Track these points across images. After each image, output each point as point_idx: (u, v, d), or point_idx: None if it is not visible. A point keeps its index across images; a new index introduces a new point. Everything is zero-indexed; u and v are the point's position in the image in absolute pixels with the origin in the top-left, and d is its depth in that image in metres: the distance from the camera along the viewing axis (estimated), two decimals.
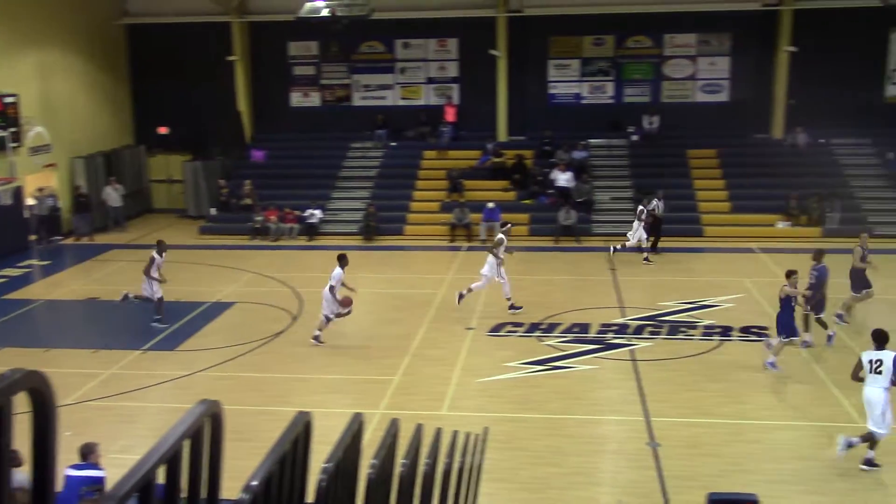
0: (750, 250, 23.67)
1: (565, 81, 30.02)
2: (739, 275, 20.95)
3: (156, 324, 17.27)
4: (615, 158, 28.76)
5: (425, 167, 29.15)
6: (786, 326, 14.16)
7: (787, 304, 14.09)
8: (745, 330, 16.68)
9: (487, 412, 12.82)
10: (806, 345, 15.49)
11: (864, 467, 11.02)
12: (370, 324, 17.85)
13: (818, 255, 15.86)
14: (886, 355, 10.99)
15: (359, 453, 2.91)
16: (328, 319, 16.09)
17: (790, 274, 14.30)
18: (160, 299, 17.35)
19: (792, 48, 27.55)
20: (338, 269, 15.93)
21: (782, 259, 22.37)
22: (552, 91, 30.11)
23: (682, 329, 16.86)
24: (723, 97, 29.34)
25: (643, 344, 16.04)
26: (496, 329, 17.02)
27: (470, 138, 29.71)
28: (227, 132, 30.36)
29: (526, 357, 15.31)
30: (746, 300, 18.78)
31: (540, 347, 15.91)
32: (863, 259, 16.78)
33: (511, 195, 27.40)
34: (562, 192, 26.66)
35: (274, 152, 30.41)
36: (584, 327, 17.00)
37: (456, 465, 5.74)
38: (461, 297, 18.21)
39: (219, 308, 18.89)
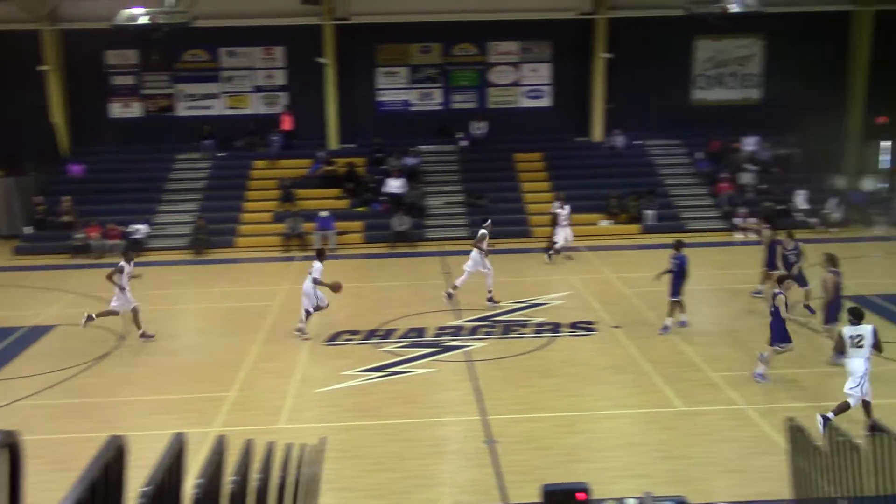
0: (576, 249, 24.64)
1: (394, 89, 30.29)
2: (566, 273, 21.78)
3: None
4: (446, 164, 29.28)
5: (256, 177, 28.66)
6: (779, 333, 13.99)
7: (777, 311, 13.89)
8: (574, 325, 17.37)
9: (327, 422, 12.74)
10: (682, 324, 16.97)
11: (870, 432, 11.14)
12: (203, 340, 17.37)
13: (678, 245, 17.12)
14: (866, 329, 11.91)
15: (182, 474, 2.85)
16: (308, 314, 16.76)
17: (782, 280, 14.28)
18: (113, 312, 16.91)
19: (608, 55, 28.93)
20: (318, 264, 16.76)
21: (606, 256, 23.52)
22: (381, 98, 30.30)
23: (515, 328, 17.37)
24: (546, 102, 30.44)
25: (478, 345, 16.40)
26: (333, 338, 16.94)
27: (300, 147, 29.45)
28: (41, 146, 28.74)
29: (364, 364, 15.32)
30: (574, 297, 19.56)
31: (378, 354, 15.96)
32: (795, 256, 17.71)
33: (344, 203, 27.37)
34: (394, 199, 26.87)
35: (93, 166, 29.03)
36: (420, 331, 17.20)
37: (291, 478, 5.69)
38: (449, 296, 18.75)
39: (38, 332, 17.83)
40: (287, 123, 29.63)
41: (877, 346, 11.98)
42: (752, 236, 20.32)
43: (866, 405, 11.95)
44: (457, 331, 17.27)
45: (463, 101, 30.38)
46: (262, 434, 7.58)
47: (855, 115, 29.95)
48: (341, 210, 26.78)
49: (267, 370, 15.23)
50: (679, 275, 16.73)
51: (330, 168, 28.34)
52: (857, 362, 11.88)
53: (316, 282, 16.55)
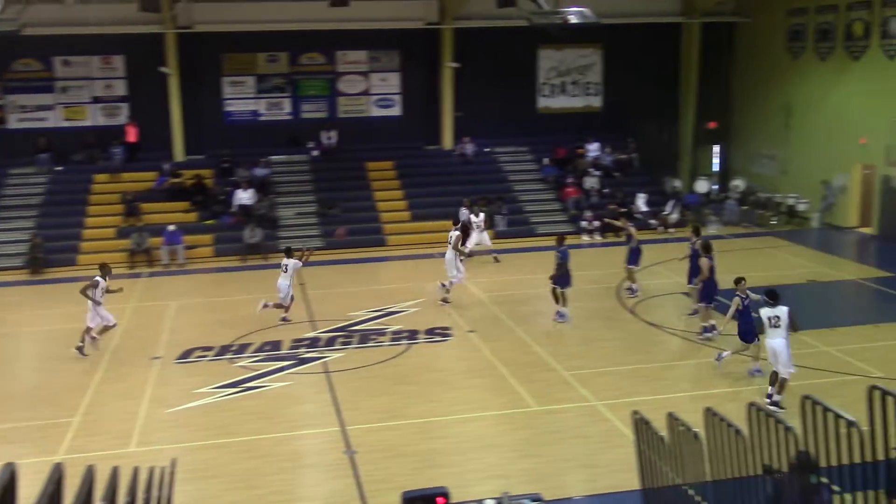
0: (430, 256, 24.85)
1: (241, 98, 29.69)
2: (422, 280, 21.93)
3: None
4: (297, 174, 28.94)
5: (97, 191, 27.42)
6: (747, 333, 14.25)
7: (745, 311, 14.21)
8: (431, 332, 17.52)
9: (180, 443, 12.34)
10: (561, 316, 17.93)
11: (772, 408, 12.20)
12: (45, 363, 16.48)
13: (560, 239, 18.56)
14: (781, 310, 12.98)
15: None
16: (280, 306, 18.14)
17: (739, 281, 14.64)
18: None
19: (455, 64, 29.38)
20: (294, 261, 18.51)
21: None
22: (228, 108, 29.65)
23: (372, 337, 17.35)
24: (396, 111, 30.59)
25: (335, 355, 16.28)
26: (184, 356, 16.42)
27: (145, 159, 28.41)
28: None
29: (218, 381, 14.93)
30: (430, 303, 19.72)
31: (232, 370, 15.59)
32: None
33: (193, 216, 26.59)
34: (245, 211, 26.35)
35: None
36: (275, 344, 16.92)
37: (140, 503, 5.48)
38: (445, 301, 19.32)
39: None
40: (132, 135, 28.50)
41: (793, 326, 13.09)
42: (623, 235, 21.37)
43: (773, 375, 13.17)
44: (313, 342, 17.10)
45: (312, 111, 30.12)
46: (109, 459, 7.26)
47: (688, 121, 31.59)
48: (190, 223, 26.00)
49: (114, 392, 14.60)
50: (563, 265, 18.01)
51: (177, 180, 27.48)
52: (778, 342, 12.96)
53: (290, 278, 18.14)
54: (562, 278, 18.10)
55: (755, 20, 30.49)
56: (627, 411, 10.17)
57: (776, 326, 13.04)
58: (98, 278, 16.58)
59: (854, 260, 24.00)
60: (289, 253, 18.82)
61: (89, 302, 16.43)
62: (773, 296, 13.29)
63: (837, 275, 21.04)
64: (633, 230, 20.29)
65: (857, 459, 5.31)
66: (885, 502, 5.61)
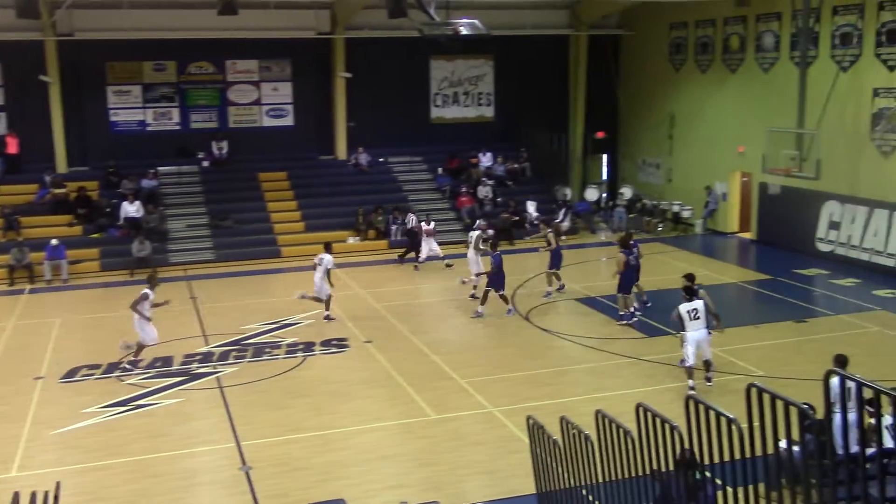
0: (444, 257, 24.55)
1: (127, 108, 28.83)
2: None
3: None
4: (187, 185, 28.30)
5: None
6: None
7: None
8: (326, 343, 17.40)
9: (66, 465, 11.88)
10: (478, 315, 18.89)
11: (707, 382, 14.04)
12: None
13: (494, 245, 19.63)
14: (699, 304, 14.02)
15: None
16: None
17: (691, 279, 15.22)
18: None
19: (347, 74, 29.31)
20: (329, 256, 18.94)
21: (355, 273, 23.75)
22: (114, 119, 28.74)
23: (267, 350, 17.11)
24: (288, 121, 30.28)
25: (229, 370, 15.98)
26: (70, 375, 15.82)
27: (26, 171, 27.26)
28: None
29: (106, 399, 14.44)
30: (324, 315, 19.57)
31: (121, 387, 15.12)
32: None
33: (77, 230, 25.66)
34: (132, 224, 25.59)
35: None
36: (167, 360, 16.49)
37: None
38: (473, 296, 20.14)
39: None
40: (12, 146, 27.29)
41: (714, 316, 14.23)
42: (541, 239, 21.96)
43: (706, 364, 14.27)
44: (205, 357, 16.74)
45: (202, 121, 29.49)
46: None
47: (577, 131, 32.38)
48: (74, 237, 25.09)
49: None
50: (497, 269, 18.82)
51: (60, 192, 26.47)
52: (701, 333, 13.95)
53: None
54: (495, 281, 18.92)
55: (639, 33, 31.52)
56: (523, 416, 10.34)
57: (696, 319, 14.00)
58: (147, 290, 16.02)
59: (735, 264, 25.04)
60: (328, 248, 19.32)
61: (136, 317, 15.92)
62: (689, 291, 14.33)
63: (720, 278, 21.90)
64: (551, 236, 21.01)
65: (738, 455, 5.55)
66: (765, 495, 5.88)
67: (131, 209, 25.91)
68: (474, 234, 21.71)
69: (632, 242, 19.23)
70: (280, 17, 27.90)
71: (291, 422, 13.39)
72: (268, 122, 30.13)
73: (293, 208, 28.00)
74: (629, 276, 18.39)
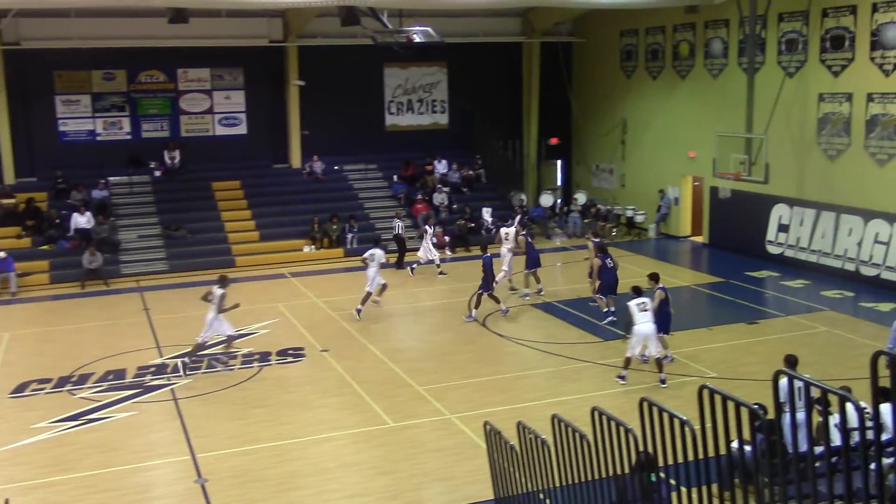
0: (282, 276, 24.56)
1: (76, 118, 28.39)
2: (273, 300, 21.62)
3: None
4: (138, 195, 27.92)
5: None
6: (664, 325, 15.66)
7: (663, 305, 15.55)
8: (283, 353, 17.29)
9: (15, 482, 11.63)
10: (471, 318, 19.20)
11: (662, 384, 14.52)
12: None
13: (484, 247, 20.29)
14: (647, 299, 14.85)
15: None
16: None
17: (656, 278, 16.16)
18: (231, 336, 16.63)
19: (300, 82, 29.17)
20: (380, 251, 19.98)
21: (311, 281, 23.66)
22: (63, 128, 28.27)
23: (223, 360, 16.92)
24: (241, 130, 30.04)
25: (184, 381, 15.79)
26: (19, 390, 15.50)
27: None
28: None
29: (57, 414, 14.18)
30: (281, 324, 19.45)
31: (73, 401, 14.85)
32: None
33: (26, 241, 25.17)
34: (83, 235, 25.18)
35: None
36: (120, 373, 16.24)
37: None
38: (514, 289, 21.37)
39: None
40: None
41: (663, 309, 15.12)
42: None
43: (658, 364, 14.73)
44: (159, 369, 16.52)
45: (154, 130, 29.13)
46: None
47: (531, 137, 32.59)
48: (23, 249, 24.61)
49: None
50: (488, 272, 19.47)
51: (7, 203, 25.95)
52: (648, 326, 14.54)
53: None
54: (484, 282, 19.53)
55: (591, 40, 31.85)
56: (481, 423, 10.37)
57: (644, 311, 14.62)
58: (222, 290, 16.48)
59: (688, 267, 25.36)
60: (377, 242, 20.52)
61: (212, 316, 16.31)
62: (637, 290, 15.28)
63: (673, 282, 22.15)
64: (522, 239, 21.74)
65: (691, 456, 5.62)
66: (718, 495, 5.97)
67: (82, 220, 25.49)
68: (507, 230, 22.29)
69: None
70: (232, 25, 27.72)
71: (247, 433, 13.26)
72: (221, 130, 29.87)
73: (247, 217, 27.77)
74: (610, 279, 18.88)
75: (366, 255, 20.04)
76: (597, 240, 21.38)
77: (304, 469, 12.00)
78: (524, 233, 22.17)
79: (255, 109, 30.01)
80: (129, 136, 28.89)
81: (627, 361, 14.92)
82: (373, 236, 21.96)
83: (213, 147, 29.55)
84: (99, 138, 28.60)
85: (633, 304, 14.77)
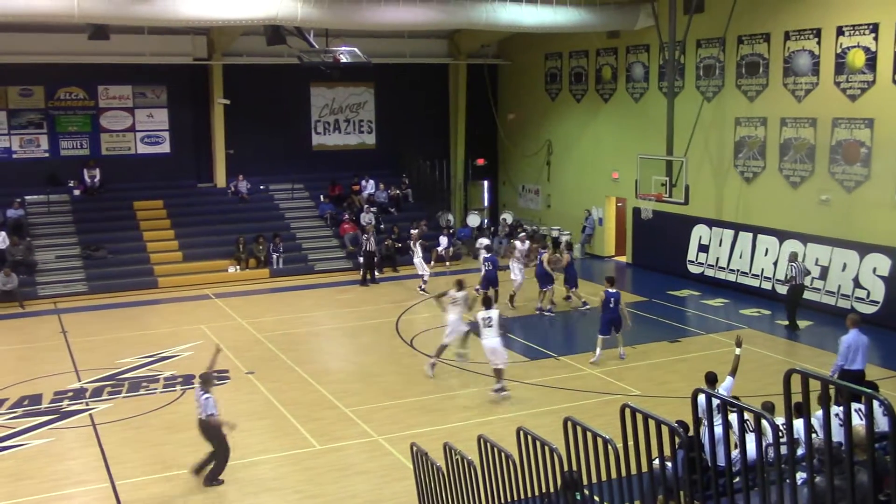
0: (206, 297, 24.14)
1: None
2: (197, 322, 21.23)
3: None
4: (57, 215, 27.16)
5: None
6: (606, 325, 17.33)
7: (606, 304, 17.30)
8: None
9: None
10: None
11: (498, 394, 15.02)
12: None
13: (489, 248, 22.96)
14: (494, 313, 15.21)
15: None
16: None
17: (612, 281, 17.86)
18: None
19: (225, 101, 28.83)
20: (463, 293, 17.63)
21: (235, 302, 23.31)
22: None
23: (144, 384, 16.54)
24: (165, 148, 29.52)
25: (103, 406, 15.37)
26: None
27: None
28: None
29: None
30: (205, 346, 19.07)
31: None
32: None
33: None
34: None
35: None
36: (35, 398, 15.72)
37: None
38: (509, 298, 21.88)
39: None
40: None
41: (502, 326, 15.43)
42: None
43: (497, 373, 15.16)
44: (77, 393, 16.05)
45: (73, 148, 28.40)
46: None
47: (458, 158, 32.81)
48: None
49: None
50: (491, 272, 21.30)
51: None
52: (494, 341, 15.06)
53: None
54: (487, 282, 21.11)
55: (516, 63, 32.29)
56: (408, 444, 10.34)
57: (489, 327, 15.12)
58: (459, 291, 16.73)
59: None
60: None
61: (455, 314, 16.50)
62: (487, 301, 15.83)
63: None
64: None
65: (615, 474, 5.71)
66: None
67: None
68: (544, 253, 22.01)
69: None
70: (155, 42, 27.25)
71: (168, 458, 12.97)
72: (143, 149, 29.30)
73: (170, 237, 27.25)
74: (572, 272, 21.79)
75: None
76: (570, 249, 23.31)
77: (229, 494, 11.78)
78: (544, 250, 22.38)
79: (179, 128, 29.53)
80: (46, 154, 28.11)
81: (499, 375, 15.25)
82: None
83: (135, 166, 28.96)
84: (15, 156, 27.77)
85: (479, 317, 15.32)
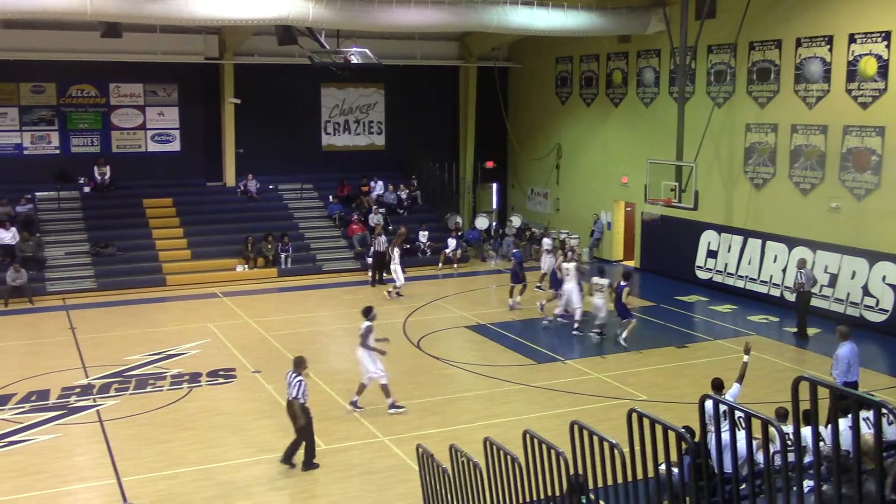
0: (214, 295, 24.20)
1: (4, 131, 27.64)
2: (204, 320, 21.28)
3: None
4: (67, 211, 27.26)
5: None
6: (623, 311, 18.81)
7: (619, 294, 18.67)
8: (213, 374, 17.01)
9: None
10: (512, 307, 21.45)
11: (392, 411, 14.63)
12: None
13: (517, 244, 22.64)
14: (365, 325, 14.58)
15: None
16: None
17: (627, 276, 19.29)
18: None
19: (236, 100, 28.90)
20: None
21: (244, 301, 23.35)
22: None
23: (151, 381, 16.59)
24: (175, 147, 29.62)
25: (110, 402, 15.42)
26: None
27: None
28: None
29: None
30: (212, 345, 19.14)
31: None
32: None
33: None
34: (7, 251, 24.47)
35: None
36: (43, 394, 15.78)
37: None
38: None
39: None
40: None
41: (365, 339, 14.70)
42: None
43: (361, 386, 14.77)
44: (85, 390, 16.10)
45: (84, 145, 28.53)
46: None
47: (467, 160, 32.81)
48: None
49: None
50: (519, 265, 22.03)
51: None
52: (362, 353, 14.61)
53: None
54: (515, 276, 21.92)
55: (527, 66, 32.28)
56: (414, 445, 10.35)
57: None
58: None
59: None
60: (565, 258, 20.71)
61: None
62: (367, 312, 14.82)
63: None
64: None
65: (620, 479, 5.70)
66: None
67: (6, 236, 24.79)
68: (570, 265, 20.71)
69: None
70: (166, 41, 27.33)
71: (174, 456, 13.00)
72: (153, 147, 29.41)
73: (179, 235, 27.33)
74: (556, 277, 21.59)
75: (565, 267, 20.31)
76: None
77: (233, 493, 11.81)
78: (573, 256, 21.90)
79: (189, 127, 29.63)
80: (57, 151, 28.24)
81: (362, 390, 14.82)
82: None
83: (146, 164, 29.07)
84: (26, 152, 27.91)
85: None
